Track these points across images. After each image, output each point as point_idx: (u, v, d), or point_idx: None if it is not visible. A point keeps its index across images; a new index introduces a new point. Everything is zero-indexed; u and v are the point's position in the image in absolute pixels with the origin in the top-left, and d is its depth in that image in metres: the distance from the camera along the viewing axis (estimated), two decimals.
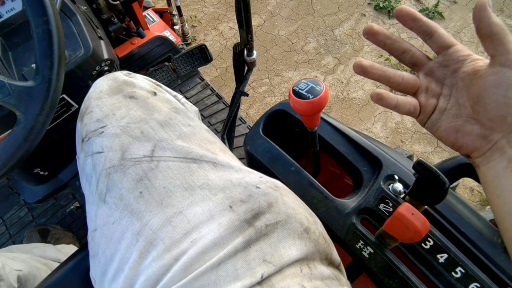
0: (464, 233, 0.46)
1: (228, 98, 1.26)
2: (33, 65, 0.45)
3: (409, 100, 0.34)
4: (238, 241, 0.35)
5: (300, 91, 0.43)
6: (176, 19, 1.51)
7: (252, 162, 0.60)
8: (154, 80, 0.53)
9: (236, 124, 1.04)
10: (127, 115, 0.43)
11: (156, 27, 1.32)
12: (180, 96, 0.54)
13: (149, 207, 0.38)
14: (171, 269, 0.34)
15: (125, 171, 0.40)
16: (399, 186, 0.50)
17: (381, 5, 1.78)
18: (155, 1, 1.91)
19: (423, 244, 0.45)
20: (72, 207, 1.11)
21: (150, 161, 0.40)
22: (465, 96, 0.31)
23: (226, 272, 0.33)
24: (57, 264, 0.79)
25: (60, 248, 0.93)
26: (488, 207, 1.23)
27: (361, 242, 0.47)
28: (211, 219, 0.37)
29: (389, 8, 1.77)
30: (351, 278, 0.48)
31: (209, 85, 1.32)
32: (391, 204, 0.48)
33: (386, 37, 0.34)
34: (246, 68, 0.82)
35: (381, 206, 0.49)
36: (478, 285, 0.42)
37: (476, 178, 0.51)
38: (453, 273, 0.43)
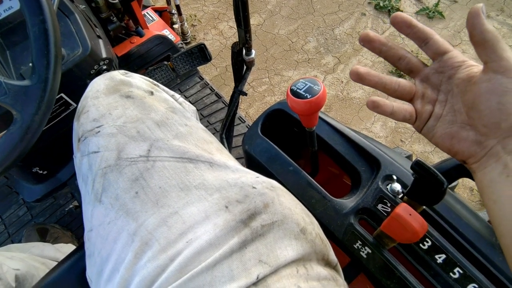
0: (462, 233, 0.46)
1: (227, 97, 1.26)
2: (31, 64, 0.45)
3: (405, 107, 0.34)
4: (233, 241, 0.35)
5: (298, 90, 0.43)
6: (175, 18, 1.51)
7: (251, 161, 0.60)
8: (151, 80, 0.52)
9: (235, 124, 1.04)
10: (124, 114, 0.43)
11: (155, 26, 1.32)
12: (177, 95, 0.54)
13: (144, 207, 0.37)
14: (166, 269, 0.34)
15: (121, 171, 0.39)
16: (397, 186, 0.49)
17: (381, 4, 1.78)
18: (155, 0, 1.90)
19: (421, 245, 0.45)
20: (71, 206, 1.11)
21: (146, 161, 0.40)
22: (460, 102, 0.31)
23: (222, 272, 0.33)
24: (56, 264, 0.79)
25: (59, 247, 0.93)
26: None
27: (359, 242, 0.47)
28: (207, 219, 0.37)
29: (389, 8, 1.76)
30: (349, 278, 0.48)
31: (209, 84, 1.32)
32: (389, 204, 0.48)
33: (382, 44, 0.34)
34: (245, 67, 0.82)
35: (379, 206, 0.49)
36: (476, 286, 0.41)
37: (469, 175, 0.51)
38: (451, 273, 0.43)
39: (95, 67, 0.75)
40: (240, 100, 0.91)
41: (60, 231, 1.03)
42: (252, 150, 0.59)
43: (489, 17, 1.73)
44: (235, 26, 1.84)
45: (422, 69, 0.34)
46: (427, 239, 0.45)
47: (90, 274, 0.42)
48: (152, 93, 0.48)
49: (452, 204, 0.49)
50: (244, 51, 0.77)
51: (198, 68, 1.33)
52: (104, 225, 0.39)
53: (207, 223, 0.36)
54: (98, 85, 0.47)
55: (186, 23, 1.57)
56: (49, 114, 0.45)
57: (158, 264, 0.34)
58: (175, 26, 1.53)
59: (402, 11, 1.77)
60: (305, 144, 0.55)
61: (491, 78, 0.28)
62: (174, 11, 1.47)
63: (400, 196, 0.49)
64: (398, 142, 1.43)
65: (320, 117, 0.59)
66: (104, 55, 0.76)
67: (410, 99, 0.35)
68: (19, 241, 1.04)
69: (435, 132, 0.33)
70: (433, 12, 1.74)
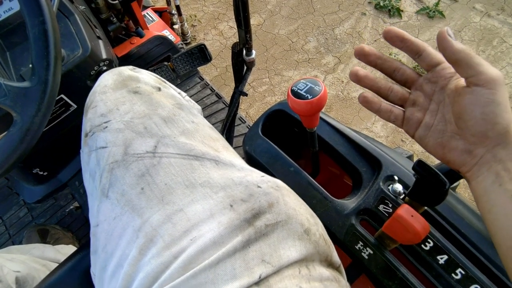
0: (464, 234, 0.46)
1: (228, 98, 1.26)
2: (31, 65, 0.45)
3: (392, 109, 0.36)
4: (237, 240, 0.35)
5: (298, 91, 0.42)
6: (175, 18, 1.51)
7: (251, 162, 0.59)
8: (159, 76, 0.52)
9: (235, 124, 1.03)
10: (131, 110, 0.43)
11: (155, 27, 1.32)
12: (184, 93, 0.54)
13: (150, 204, 0.38)
14: (170, 266, 0.34)
15: (128, 166, 0.39)
16: (398, 187, 0.49)
17: (381, 4, 1.77)
18: (155, 1, 1.90)
19: (423, 245, 0.45)
20: (71, 207, 1.11)
21: (152, 157, 0.40)
22: (450, 112, 0.32)
23: (224, 271, 0.33)
24: (56, 265, 0.79)
25: (59, 249, 0.93)
26: None
27: (361, 243, 0.47)
28: (211, 217, 0.37)
29: (389, 7, 1.76)
30: (350, 279, 0.48)
31: (209, 84, 1.32)
32: (390, 205, 0.48)
33: (377, 57, 0.36)
34: (245, 67, 0.82)
35: (381, 207, 0.48)
36: (478, 287, 0.41)
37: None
38: (453, 274, 0.43)
39: (95, 68, 0.75)
40: (240, 101, 0.91)
41: (61, 232, 1.03)
42: (253, 150, 0.59)
43: (490, 16, 1.73)
44: (235, 26, 1.84)
45: (417, 79, 0.36)
46: (429, 240, 0.45)
47: (94, 269, 0.42)
48: (159, 89, 0.48)
49: (453, 204, 0.49)
50: (244, 51, 0.77)
51: (198, 68, 1.33)
52: (109, 220, 0.39)
53: (211, 221, 0.36)
54: (106, 80, 0.47)
55: (186, 24, 1.56)
56: (49, 116, 0.45)
57: (162, 261, 0.34)
58: (175, 26, 1.53)
59: (402, 10, 1.77)
60: (306, 145, 0.55)
61: (473, 90, 0.29)
62: (174, 11, 1.47)
63: (401, 196, 0.49)
64: (399, 142, 1.42)
65: (320, 118, 0.59)
66: (104, 56, 0.76)
67: (401, 105, 0.37)
68: (20, 242, 1.04)
69: (428, 141, 0.34)
70: (434, 12, 1.74)
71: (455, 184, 0.61)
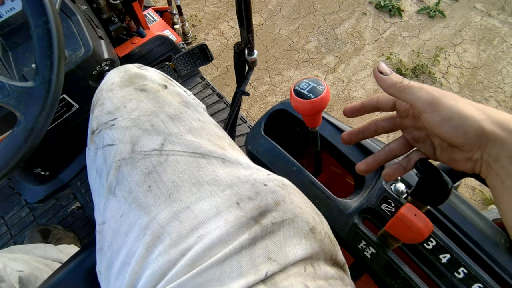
0: (466, 233, 0.46)
1: (229, 98, 1.26)
2: (33, 65, 0.45)
3: (406, 163, 0.38)
4: (243, 238, 0.35)
5: (301, 90, 0.42)
6: (176, 18, 1.51)
7: (254, 161, 0.59)
8: (165, 74, 0.53)
9: (237, 124, 1.03)
10: (138, 107, 0.43)
11: (156, 27, 1.32)
12: (189, 92, 0.54)
13: (157, 201, 0.38)
14: (177, 264, 0.34)
15: (135, 164, 0.40)
16: (401, 186, 0.49)
17: (382, 4, 1.77)
18: (156, 1, 1.90)
19: (425, 245, 0.45)
20: (73, 207, 1.11)
21: (159, 154, 0.40)
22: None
23: (231, 268, 0.33)
24: (59, 265, 0.79)
25: (61, 249, 0.93)
26: (491, 206, 1.23)
27: (363, 242, 0.47)
28: (218, 215, 0.37)
29: (390, 7, 1.76)
30: (353, 278, 0.48)
31: (210, 84, 1.32)
32: (393, 204, 0.48)
33: (357, 133, 0.40)
34: (247, 67, 0.82)
35: (383, 206, 0.48)
36: (481, 286, 0.41)
37: (478, 177, 0.50)
38: (455, 273, 0.43)
39: (97, 68, 0.75)
40: (241, 100, 0.91)
41: (63, 232, 1.03)
42: (255, 150, 0.59)
43: (490, 16, 1.73)
44: (236, 26, 1.84)
45: (397, 122, 0.38)
46: (431, 239, 0.45)
47: (100, 267, 0.42)
48: (166, 86, 0.48)
49: (456, 203, 0.49)
50: (246, 51, 0.77)
51: (199, 68, 1.33)
52: (116, 218, 0.39)
53: (218, 219, 0.36)
54: (112, 77, 0.47)
55: (187, 24, 1.57)
56: (52, 116, 0.45)
57: (169, 258, 0.34)
58: (176, 26, 1.54)
59: (403, 10, 1.77)
60: (308, 144, 0.55)
61: (423, 116, 0.31)
62: (175, 11, 1.47)
63: (404, 196, 0.49)
64: None
65: (323, 117, 0.59)
66: (106, 56, 0.76)
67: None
68: (22, 242, 1.04)
69: (442, 160, 0.35)
70: (434, 11, 1.74)
71: (457, 183, 0.61)
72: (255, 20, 1.79)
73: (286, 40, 1.72)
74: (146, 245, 0.36)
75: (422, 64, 1.59)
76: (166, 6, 1.47)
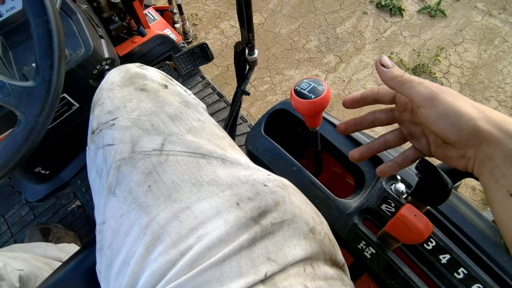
0: (466, 233, 0.46)
1: (229, 97, 1.26)
2: (34, 65, 0.45)
3: (402, 159, 0.38)
4: (243, 238, 0.35)
5: (302, 90, 0.42)
6: (177, 17, 1.51)
7: (254, 161, 0.59)
8: (165, 73, 0.52)
9: (237, 123, 1.03)
10: (138, 107, 0.43)
11: (157, 26, 1.32)
12: (189, 91, 0.54)
13: (157, 201, 0.38)
14: (177, 264, 0.34)
15: (135, 164, 0.40)
16: (401, 187, 0.49)
17: (382, 3, 1.77)
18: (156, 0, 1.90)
19: (425, 245, 0.45)
20: (73, 206, 1.11)
21: (159, 154, 0.40)
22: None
23: (230, 268, 0.33)
24: (59, 263, 0.79)
25: (62, 247, 0.93)
26: None
27: (363, 242, 0.47)
28: (218, 215, 0.37)
29: (391, 6, 1.76)
30: (352, 278, 0.48)
31: (210, 83, 1.32)
32: (393, 205, 0.48)
33: (354, 124, 0.40)
34: (248, 67, 0.82)
35: (383, 207, 0.48)
36: (481, 286, 0.41)
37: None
38: (455, 274, 0.43)
39: (98, 67, 0.75)
40: (242, 99, 0.91)
41: (63, 230, 1.03)
42: (255, 149, 0.59)
43: (491, 15, 1.72)
44: (237, 25, 1.84)
45: (395, 115, 0.38)
46: (431, 239, 0.45)
47: (100, 266, 0.42)
48: (166, 86, 0.48)
49: (456, 204, 0.49)
50: (247, 50, 0.77)
51: (199, 67, 1.33)
52: (116, 218, 0.39)
53: (218, 219, 0.36)
54: (113, 77, 0.47)
55: (187, 23, 1.56)
56: (53, 115, 0.45)
57: (168, 258, 0.34)
58: (177, 25, 1.53)
59: (404, 9, 1.76)
60: (308, 144, 0.55)
61: (421, 111, 0.31)
62: (175, 10, 1.47)
63: (404, 196, 0.49)
64: None
65: (323, 117, 0.59)
66: (106, 55, 0.76)
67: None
68: (22, 241, 1.04)
69: (437, 156, 0.35)
70: (435, 11, 1.74)
71: (457, 184, 0.61)
72: (256, 19, 1.79)
73: (287, 39, 1.72)
74: (146, 245, 0.36)
75: (422, 64, 1.59)
76: (167, 5, 1.46)
